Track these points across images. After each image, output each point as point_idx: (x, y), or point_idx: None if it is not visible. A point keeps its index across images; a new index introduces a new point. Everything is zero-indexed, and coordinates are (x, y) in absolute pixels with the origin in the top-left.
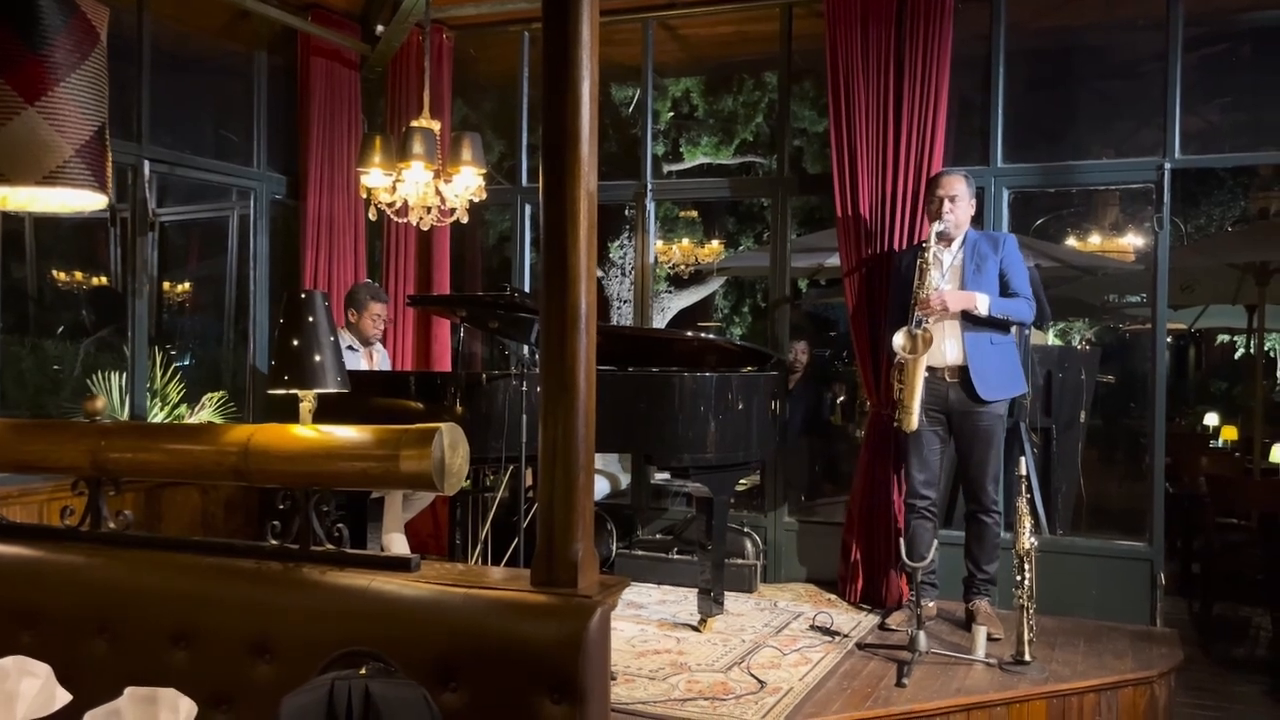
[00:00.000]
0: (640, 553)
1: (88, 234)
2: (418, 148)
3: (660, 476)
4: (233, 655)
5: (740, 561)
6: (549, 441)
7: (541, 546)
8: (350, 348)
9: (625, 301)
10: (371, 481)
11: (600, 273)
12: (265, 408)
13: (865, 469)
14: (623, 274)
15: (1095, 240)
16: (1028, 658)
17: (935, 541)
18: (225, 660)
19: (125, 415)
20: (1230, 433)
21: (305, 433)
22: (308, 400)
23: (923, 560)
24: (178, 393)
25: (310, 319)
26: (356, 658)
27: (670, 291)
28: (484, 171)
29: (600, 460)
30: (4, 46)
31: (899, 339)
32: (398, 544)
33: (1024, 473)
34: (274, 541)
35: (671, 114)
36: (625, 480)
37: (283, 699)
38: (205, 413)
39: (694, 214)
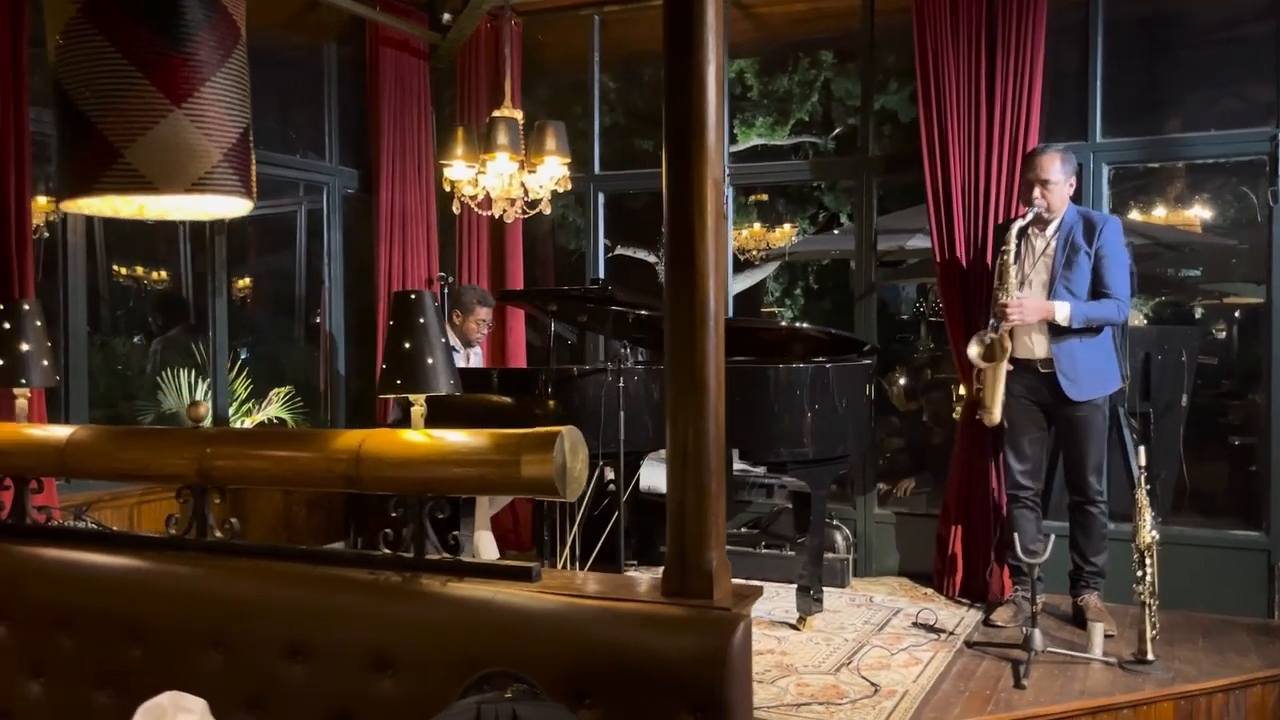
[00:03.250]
0: (727, 547)
1: (150, 233)
2: (502, 138)
3: (739, 467)
4: (352, 669)
5: (831, 555)
6: (677, 444)
7: (673, 556)
8: (453, 348)
9: None
10: (489, 488)
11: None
12: (342, 406)
13: (961, 459)
14: None
15: (1187, 215)
16: (1150, 656)
17: (1051, 536)
18: (345, 674)
19: (208, 419)
20: None
21: (417, 438)
22: (419, 404)
23: (1039, 557)
24: (245, 388)
25: (421, 320)
26: (498, 679)
27: None
28: (568, 160)
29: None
30: (146, 46)
31: (973, 349)
32: (485, 541)
33: (1141, 463)
34: (387, 550)
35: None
36: None
37: None
38: (273, 408)
39: (764, 197)
